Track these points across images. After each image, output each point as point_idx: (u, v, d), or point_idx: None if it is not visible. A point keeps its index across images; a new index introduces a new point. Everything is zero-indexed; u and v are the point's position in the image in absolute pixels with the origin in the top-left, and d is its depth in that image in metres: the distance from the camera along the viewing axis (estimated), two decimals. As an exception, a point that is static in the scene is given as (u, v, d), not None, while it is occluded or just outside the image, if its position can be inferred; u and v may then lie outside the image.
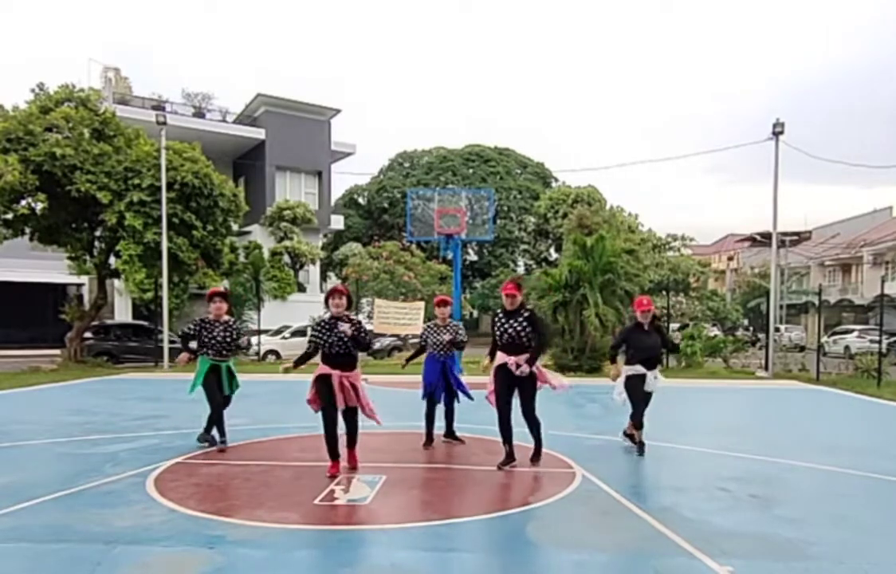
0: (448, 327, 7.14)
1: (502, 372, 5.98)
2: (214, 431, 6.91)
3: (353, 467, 5.90)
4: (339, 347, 5.57)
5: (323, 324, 5.72)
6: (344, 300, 5.65)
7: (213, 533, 4.35)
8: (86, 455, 6.80)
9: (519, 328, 5.88)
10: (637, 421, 6.80)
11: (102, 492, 5.36)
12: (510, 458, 6.02)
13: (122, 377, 15.44)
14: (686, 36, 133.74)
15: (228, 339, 6.81)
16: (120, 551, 3.97)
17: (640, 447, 6.78)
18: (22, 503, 4.96)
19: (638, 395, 6.79)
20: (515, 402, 6.08)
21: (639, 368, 6.77)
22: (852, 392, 13.64)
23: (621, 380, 6.94)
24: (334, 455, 5.80)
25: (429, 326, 7.28)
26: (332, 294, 5.70)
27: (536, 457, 6.19)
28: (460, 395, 7.24)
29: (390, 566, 3.88)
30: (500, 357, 6.00)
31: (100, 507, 4.90)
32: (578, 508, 5.02)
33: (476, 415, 9.54)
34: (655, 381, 6.83)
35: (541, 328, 6.01)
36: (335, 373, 5.57)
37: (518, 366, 5.84)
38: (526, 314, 5.97)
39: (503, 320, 6.00)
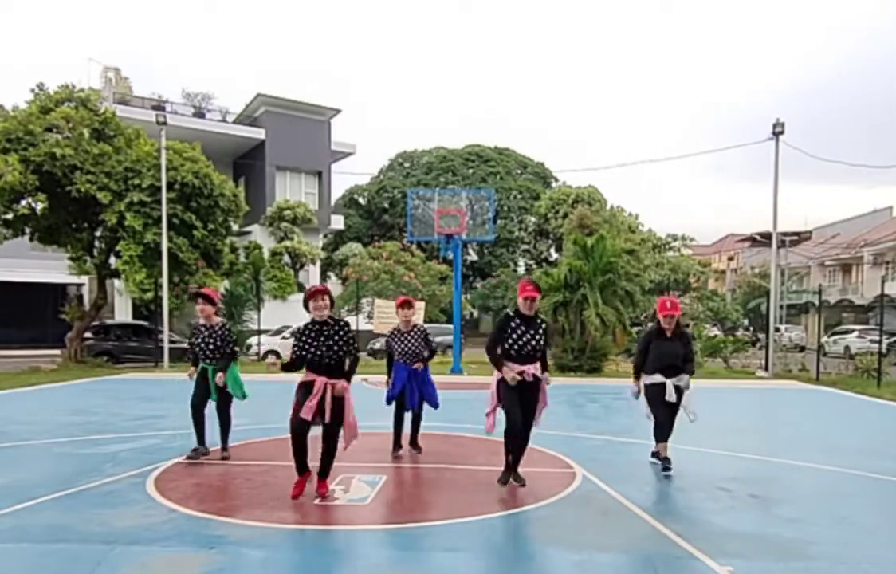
0: (413, 333, 6.67)
1: (512, 384, 5.25)
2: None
3: (322, 495, 5.10)
4: (330, 357, 4.94)
5: (308, 330, 5.02)
6: (327, 301, 4.99)
7: (213, 533, 4.35)
8: (86, 455, 6.80)
9: (539, 338, 5.31)
10: (658, 434, 6.17)
11: (102, 492, 5.36)
12: (510, 471, 5.46)
13: (122, 377, 15.44)
14: (686, 36, 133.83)
15: (212, 345, 6.36)
16: (120, 551, 3.97)
17: (665, 463, 6.10)
18: (22, 503, 4.96)
19: (657, 406, 6.13)
20: None
21: (657, 377, 6.11)
22: (852, 392, 13.65)
23: (643, 392, 6.32)
24: (302, 468, 5.11)
25: (393, 333, 6.76)
26: (312, 296, 5.00)
27: (513, 472, 5.46)
28: (427, 402, 6.80)
29: (390, 566, 3.88)
30: (511, 368, 5.27)
31: (100, 507, 4.90)
32: (578, 508, 5.02)
33: (475, 416, 9.53)
34: (684, 390, 6.14)
35: (548, 339, 5.60)
36: (320, 379, 4.93)
37: (534, 375, 5.31)
38: (543, 324, 5.42)
39: (523, 329, 5.27)
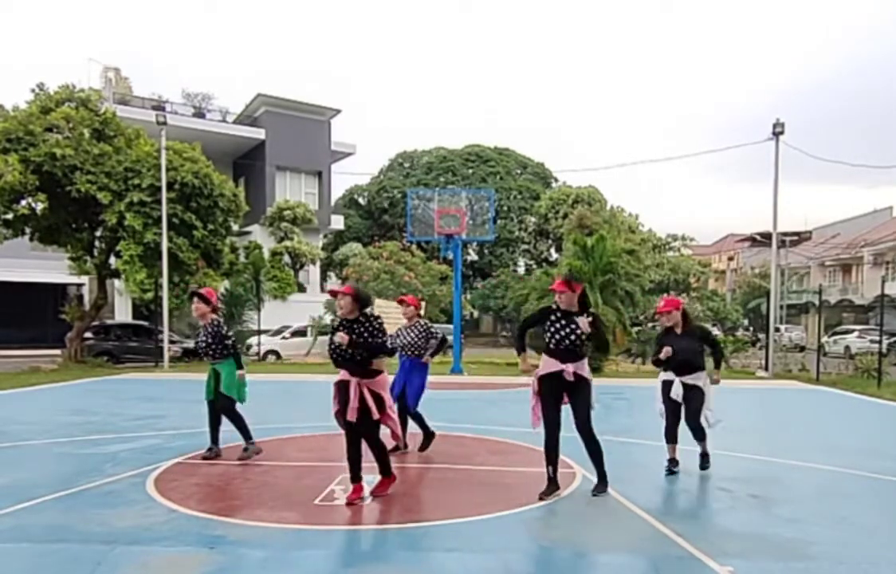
0: (413, 326, 6.88)
1: (550, 382, 5.11)
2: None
3: (376, 494, 5.10)
4: (344, 352, 4.94)
5: (340, 330, 5.01)
6: (347, 301, 4.95)
7: (213, 533, 4.35)
8: (86, 455, 6.79)
9: (578, 332, 5.07)
10: (666, 433, 6.12)
11: (102, 492, 5.35)
12: (554, 486, 5.23)
13: (122, 377, 15.44)
14: (687, 36, 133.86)
15: (204, 344, 6.41)
16: (120, 551, 3.97)
17: (670, 465, 6.05)
18: (22, 503, 4.95)
19: (665, 402, 6.09)
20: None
21: (670, 375, 6.04)
22: (852, 392, 13.64)
23: (659, 388, 6.25)
24: (355, 477, 5.06)
25: (400, 329, 6.95)
26: (333, 295, 5.15)
27: (602, 485, 5.31)
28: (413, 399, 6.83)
29: (390, 566, 3.88)
30: (549, 364, 5.11)
31: (100, 507, 4.90)
32: (578, 508, 5.02)
33: (476, 415, 9.53)
34: (704, 386, 5.95)
35: (604, 332, 5.36)
36: (353, 379, 4.90)
37: (575, 374, 5.09)
38: (590, 318, 5.16)
39: (562, 322, 5.08)
